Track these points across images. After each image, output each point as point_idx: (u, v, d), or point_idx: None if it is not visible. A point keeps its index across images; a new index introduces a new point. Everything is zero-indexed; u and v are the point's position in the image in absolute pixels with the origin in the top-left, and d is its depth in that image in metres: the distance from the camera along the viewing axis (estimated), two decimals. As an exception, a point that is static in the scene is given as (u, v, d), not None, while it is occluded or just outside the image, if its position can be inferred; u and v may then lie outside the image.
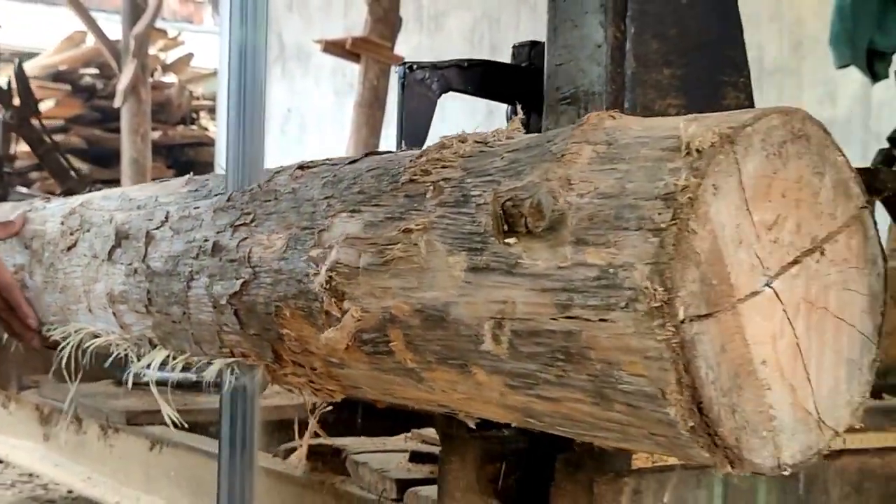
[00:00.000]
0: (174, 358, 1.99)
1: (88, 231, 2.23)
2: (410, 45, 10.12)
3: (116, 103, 11.73)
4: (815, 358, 1.30)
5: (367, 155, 1.72)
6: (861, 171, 2.04)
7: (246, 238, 1.79)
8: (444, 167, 1.51)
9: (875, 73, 4.76)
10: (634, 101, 1.71)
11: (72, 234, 2.27)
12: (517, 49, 2.03)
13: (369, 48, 7.26)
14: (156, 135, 12.93)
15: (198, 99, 15.11)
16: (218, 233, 1.85)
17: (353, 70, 7.83)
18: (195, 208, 1.96)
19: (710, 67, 1.79)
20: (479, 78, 1.95)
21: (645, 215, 1.22)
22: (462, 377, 1.45)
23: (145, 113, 11.90)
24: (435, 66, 1.89)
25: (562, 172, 1.33)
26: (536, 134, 1.44)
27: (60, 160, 5.76)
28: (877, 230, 1.38)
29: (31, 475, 4.63)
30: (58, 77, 13.01)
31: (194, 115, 15.01)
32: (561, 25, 1.78)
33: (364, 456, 2.71)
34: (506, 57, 2.09)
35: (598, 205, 1.27)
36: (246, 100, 1.79)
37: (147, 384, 3.75)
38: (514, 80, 1.97)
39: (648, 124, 1.33)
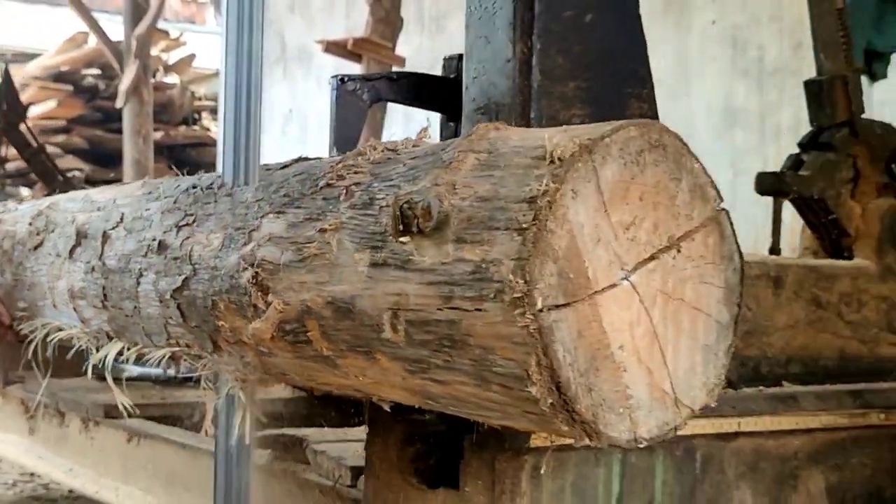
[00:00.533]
0: (128, 349, 2.14)
1: (53, 231, 2.39)
2: (411, 46, 10.24)
3: (118, 104, 11.73)
4: (671, 344, 1.46)
5: (296, 161, 1.87)
6: (769, 175, 2.21)
7: (188, 237, 1.94)
8: (356, 172, 1.67)
9: (873, 73, 4.76)
10: (541, 111, 1.86)
11: (38, 234, 2.43)
12: (447, 61, 2.18)
13: (370, 49, 7.33)
14: (158, 135, 12.95)
15: (200, 99, 15.13)
16: (164, 232, 2.01)
17: (355, 71, 7.94)
18: (146, 210, 2.12)
19: (614, 80, 1.94)
20: (407, 89, 2.10)
21: (512, 216, 1.38)
22: (369, 363, 1.60)
23: (147, 113, 11.87)
24: (365, 78, 2.04)
25: (448, 178, 1.48)
26: (436, 143, 1.60)
27: (46, 163, 5.89)
28: (733, 230, 1.53)
29: (32, 474, 4.69)
30: (60, 78, 13.04)
31: (196, 116, 15.05)
32: (475, 42, 1.94)
33: (323, 445, 2.84)
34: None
35: (477, 207, 1.43)
36: (242, 100, 1.86)
37: (126, 379, 3.90)
38: (440, 91, 2.12)
39: (525, 135, 1.48)
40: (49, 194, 3.83)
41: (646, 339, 1.44)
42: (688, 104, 10.58)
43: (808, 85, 2.40)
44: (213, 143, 14.20)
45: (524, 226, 1.36)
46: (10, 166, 8.59)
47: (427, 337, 1.47)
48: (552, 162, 1.38)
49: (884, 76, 4.67)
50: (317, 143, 12.34)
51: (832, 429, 2.13)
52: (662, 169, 1.46)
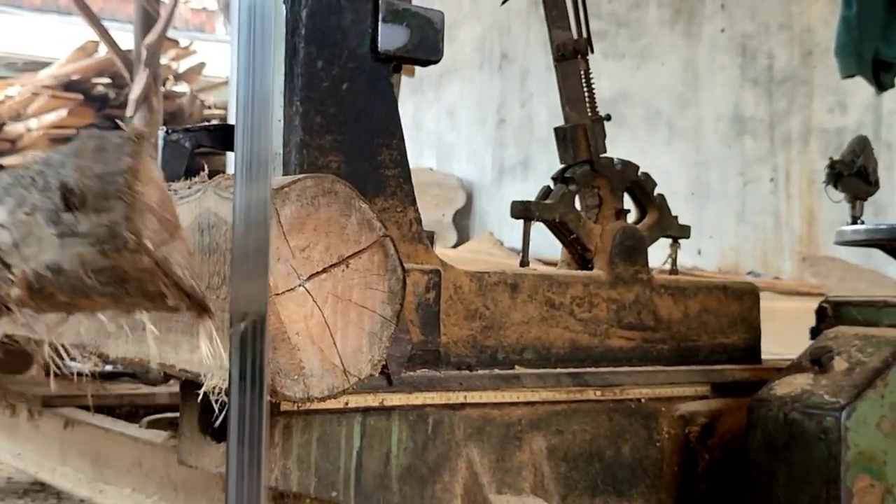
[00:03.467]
0: None
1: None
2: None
3: (128, 113, 11.88)
4: (340, 331, 2.08)
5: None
6: (520, 203, 2.81)
7: None
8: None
9: (881, 83, 4.88)
10: (302, 159, 2.48)
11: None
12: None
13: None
14: (166, 143, 13.28)
15: (210, 108, 15.26)
16: None
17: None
18: None
19: (366, 134, 2.55)
20: (221, 137, 2.71)
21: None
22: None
23: (157, 122, 11.93)
24: (187, 129, 2.65)
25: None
26: (196, 186, 2.21)
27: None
28: (397, 251, 2.14)
29: (42, 485, 4.86)
30: (70, 86, 13.17)
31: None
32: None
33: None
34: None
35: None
36: (254, 108, 1.84)
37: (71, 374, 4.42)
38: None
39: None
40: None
41: (318, 327, 2.06)
42: (697, 112, 11.00)
43: (556, 131, 2.99)
44: (223, 151, 14.61)
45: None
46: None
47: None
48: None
49: (891, 86, 4.93)
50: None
51: (552, 402, 2.71)
52: (334, 209, 2.07)
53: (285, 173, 2.48)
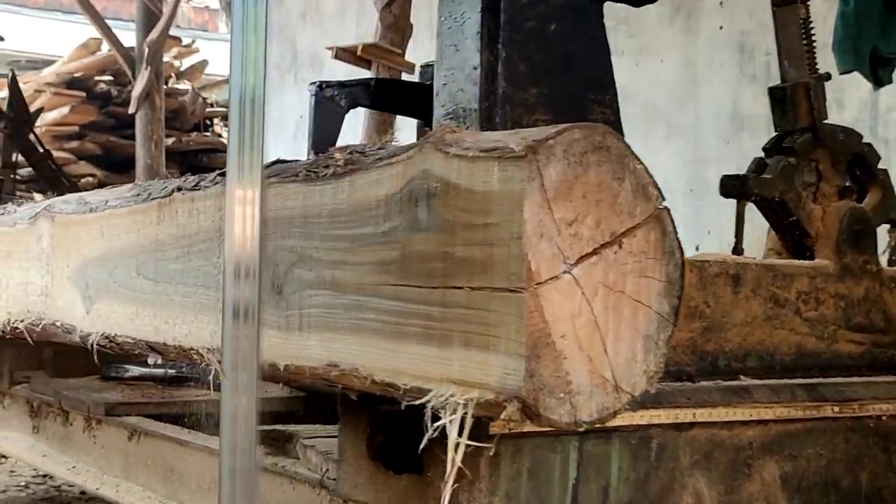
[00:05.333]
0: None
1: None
2: (421, 52, 10.36)
3: (131, 110, 11.86)
4: (612, 333, 1.56)
5: (274, 163, 1.98)
6: (733, 178, 2.31)
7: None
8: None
9: (879, 78, 4.79)
10: (505, 117, 1.97)
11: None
12: (423, 68, 2.29)
13: (380, 55, 7.38)
14: (170, 141, 12.98)
15: (212, 106, 15.14)
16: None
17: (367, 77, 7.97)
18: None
19: (576, 86, 2.05)
20: (383, 95, 2.21)
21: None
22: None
23: (159, 120, 12.03)
24: (343, 85, 2.15)
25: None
26: (397, 146, 1.71)
27: (52, 168, 5.99)
28: (674, 228, 1.63)
29: (45, 476, 4.73)
30: (73, 84, 13.04)
31: (208, 122, 15.09)
32: (445, 50, 2.05)
33: (314, 441, 2.94)
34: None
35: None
36: (246, 107, 1.82)
37: (129, 379, 3.98)
38: (414, 98, 2.23)
39: (478, 137, 1.59)
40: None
41: (587, 328, 1.54)
42: (695, 109, 10.66)
43: (772, 91, 2.49)
44: (225, 149, 14.22)
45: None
46: (23, 171, 8.70)
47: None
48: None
49: (889, 81, 4.78)
50: (328, 149, 12.46)
51: (786, 420, 2.22)
52: (605, 169, 1.56)
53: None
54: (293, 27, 13.11)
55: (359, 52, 7.40)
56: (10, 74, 6.52)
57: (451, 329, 1.59)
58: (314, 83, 2.13)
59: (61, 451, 3.77)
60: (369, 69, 7.53)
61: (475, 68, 1.99)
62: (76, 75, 13.18)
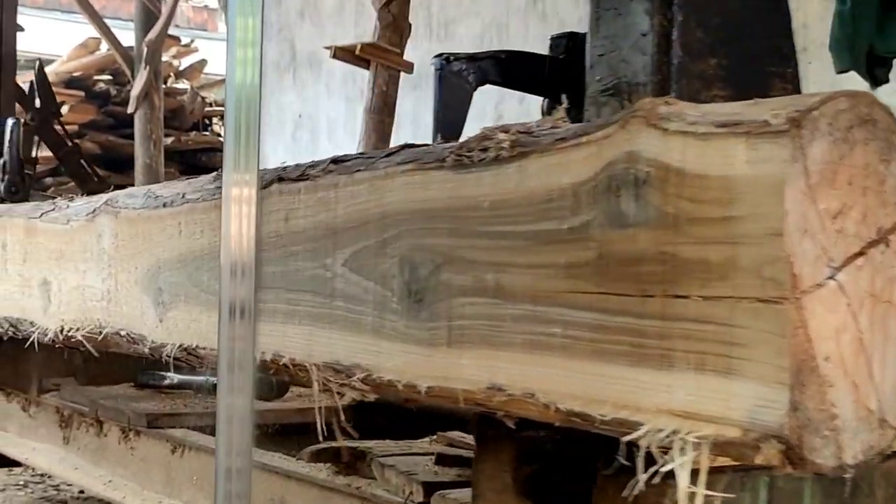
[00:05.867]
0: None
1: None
2: (420, 52, 10.10)
3: (130, 109, 11.76)
4: (878, 354, 1.25)
5: (402, 147, 1.67)
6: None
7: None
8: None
9: (875, 77, 4.50)
10: (680, 91, 1.66)
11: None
12: (555, 40, 1.97)
13: (379, 54, 7.24)
14: (168, 141, 12.90)
15: (211, 105, 15.04)
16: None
17: (364, 76, 7.83)
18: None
19: (756, 57, 1.74)
20: (515, 70, 1.90)
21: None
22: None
23: (158, 119, 11.92)
24: (472, 58, 1.84)
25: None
26: (583, 123, 1.39)
27: (81, 163, 5.71)
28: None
29: (43, 475, 4.59)
30: (72, 83, 12.93)
31: (207, 122, 14.97)
32: (604, 15, 1.73)
33: (390, 459, 2.67)
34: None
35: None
36: (242, 107, 1.79)
37: (167, 387, 3.73)
38: (551, 72, 1.92)
39: (704, 110, 1.28)
40: (84, 195, 3.65)
41: (851, 347, 1.23)
42: None
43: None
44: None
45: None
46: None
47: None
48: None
49: (886, 81, 4.53)
50: (326, 147, 12.18)
51: None
52: (872, 148, 1.25)
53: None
54: (292, 26, 12.91)
55: (357, 52, 7.23)
56: (38, 65, 6.26)
57: (674, 348, 1.28)
58: (439, 55, 1.83)
59: (95, 464, 3.61)
60: (367, 69, 7.39)
61: (644, 35, 1.67)
62: (75, 74, 13.11)
